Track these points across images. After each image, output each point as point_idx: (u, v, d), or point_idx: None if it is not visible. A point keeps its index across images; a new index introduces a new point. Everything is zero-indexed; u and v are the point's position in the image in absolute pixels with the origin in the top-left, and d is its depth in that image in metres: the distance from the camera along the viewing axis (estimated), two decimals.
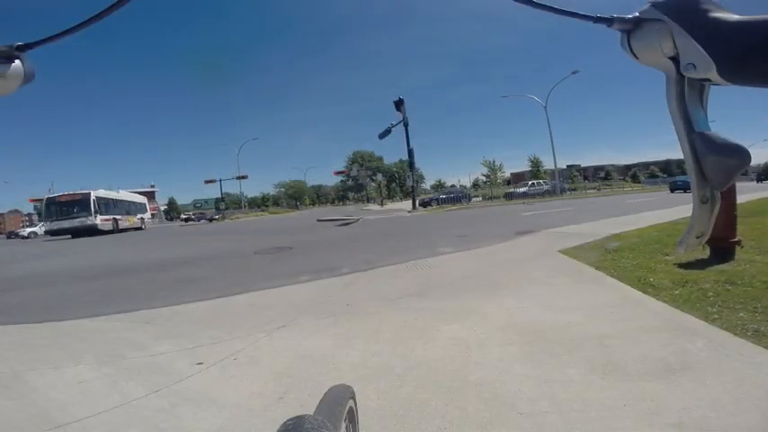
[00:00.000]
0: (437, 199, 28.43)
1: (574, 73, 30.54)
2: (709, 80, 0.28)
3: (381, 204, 33.40)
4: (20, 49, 0.36)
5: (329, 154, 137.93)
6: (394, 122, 21.72)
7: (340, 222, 16.53)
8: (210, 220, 44.99)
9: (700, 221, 0.29)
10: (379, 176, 39.81)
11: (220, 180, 50.32)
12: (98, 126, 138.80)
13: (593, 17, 0.32)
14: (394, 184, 72.33)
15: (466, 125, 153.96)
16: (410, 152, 22.42)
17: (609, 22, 0.32)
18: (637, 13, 0.31)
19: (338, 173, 60.13)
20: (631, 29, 0.32)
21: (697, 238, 0.30)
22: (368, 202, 54.78)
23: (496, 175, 52.70)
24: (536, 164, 58.17)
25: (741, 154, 0.26)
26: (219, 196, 51.68)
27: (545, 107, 30.78)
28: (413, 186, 24.03)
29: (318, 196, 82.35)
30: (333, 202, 78.68)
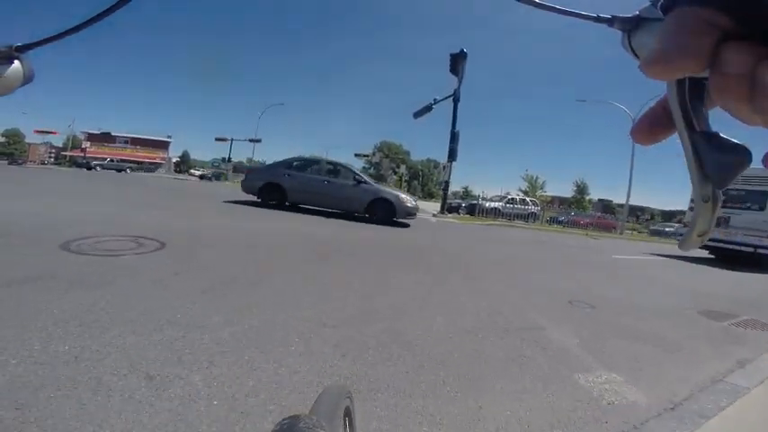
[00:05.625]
0: (465, 206, 22.79)
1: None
2: None
3: None
4: (19, 49, 0.35)
5: (354, 138, 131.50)
6: (438, 97, 16.49)
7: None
8: (210, 179, 45.20)
9: (702, 220, 0.29)
10: (403, 169, 34.61)
11: (231, 139, 45.25)
12: (118, 67, 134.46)
13: (593, 17, 0.32)
14: (416, 182, 66.76)
15: (510, 140, 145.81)
16: (454, 135, 16.37)
17: (609, 21, 0.31)
18: (637, 12, 0.30)
19: (360, 155, 55.12)
20: (632, 28, 0.30)
21: (699, 236, 0.30)
22: None
23: (536, 193, 44.98)
24: (582, 190, 51.84)
25: (742, 153, 0.26)
26: (228, 156, 47.57)
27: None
28: (446, 182, 17.73)
29: None
30: None
